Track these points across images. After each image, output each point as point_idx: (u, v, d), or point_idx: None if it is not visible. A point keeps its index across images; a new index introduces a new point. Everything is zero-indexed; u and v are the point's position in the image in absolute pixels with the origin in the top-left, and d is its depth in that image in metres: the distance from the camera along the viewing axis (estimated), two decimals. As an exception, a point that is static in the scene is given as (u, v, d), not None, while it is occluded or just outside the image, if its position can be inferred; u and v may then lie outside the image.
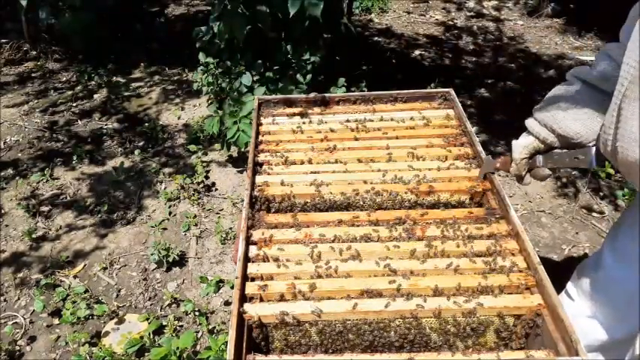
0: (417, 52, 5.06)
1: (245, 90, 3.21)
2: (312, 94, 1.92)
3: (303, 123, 1.82)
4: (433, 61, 4.89)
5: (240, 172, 3.43)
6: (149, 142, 3.79)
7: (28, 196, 3.24)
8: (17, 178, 3.40)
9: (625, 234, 1.41)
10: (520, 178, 1.42)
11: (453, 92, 1.87)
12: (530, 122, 1.38)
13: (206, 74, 3.39)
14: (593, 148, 1.24)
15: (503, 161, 1.46)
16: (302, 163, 1.62)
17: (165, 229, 3.00)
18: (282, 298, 1.19)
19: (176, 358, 2.11)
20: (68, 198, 3.25)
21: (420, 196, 1.48)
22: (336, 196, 1.48)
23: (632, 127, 1.04)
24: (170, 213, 3.11)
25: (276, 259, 1.29)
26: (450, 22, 5.78)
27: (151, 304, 2.57)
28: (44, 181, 3.37)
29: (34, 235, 2.92)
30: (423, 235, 1.33)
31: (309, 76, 3.20)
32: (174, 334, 2.34)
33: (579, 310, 1.51)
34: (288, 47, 3.27)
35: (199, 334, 2.39)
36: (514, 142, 1.40)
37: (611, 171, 3.14)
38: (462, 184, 1.50)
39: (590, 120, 1.27)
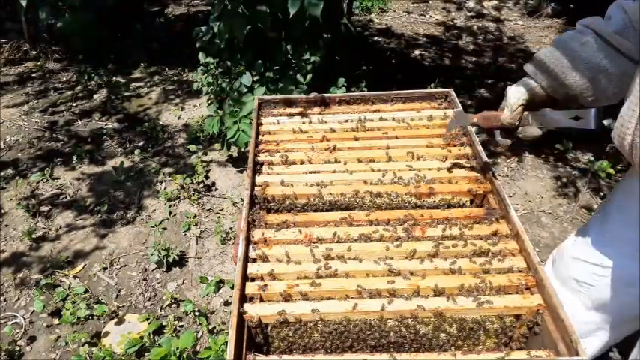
0: (417, 52, 5.06)
1: (245, 90, 3.21)
2: (312, 94, 1.92)
3: (303, 123, 1.82)
4: (433, 61, 4.89)
5: (240, 172, 3.43)
6: (149, 142, 3.79)
7: (28, 196, 3.24)
8: (17, 178, 3.40)
9: (615, 217, 1.39)
10: (507, 135, 1.31)
11: (452, 92, 1.87)
12: (530, 66, 1.30)
13: (206, 74, 3.39)
14: (593, 110, 1.15)
15: (483, 116, 1.34)
16: (302, 163, 1.62)
17: (165, 229, 3.00)
18: (282, 298, 1.19)
19: (176, 358, 2.11)
20: (68, 198, 3.25)
21: (420, 197, 1.48)
22: (336, 196, 1.48)
23: None
24: (170, 213, 3.11)
25: (276, 259, 1.29)
26: (450, 22, 5.77)
27: (151, 304, 2.57)
28: (44, 181, 3.37)
29: (34, 235, 2.92)
30: (423, 235, 1.33)
31: (309, 76, 3.20)
32: (174, 334, 2.34)
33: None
34: (288, 47, 3.27)
35: (199, 334, 2.39)
36: (510, 88, 1.29)
37: (611, 171, 3.14)
38: (462, 184, 1.50)
39: (596, 74, 1.21)
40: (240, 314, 1.12)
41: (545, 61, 1.27)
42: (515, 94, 1.28)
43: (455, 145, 1.66)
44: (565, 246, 1.57)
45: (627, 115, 1.10)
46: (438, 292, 1.18)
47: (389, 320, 1.16)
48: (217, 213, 3.11)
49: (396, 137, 1.72)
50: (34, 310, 2.50)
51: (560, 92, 1.27)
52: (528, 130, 1.29)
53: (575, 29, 1.29)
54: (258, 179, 1.54)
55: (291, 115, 1.87)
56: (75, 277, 2.70)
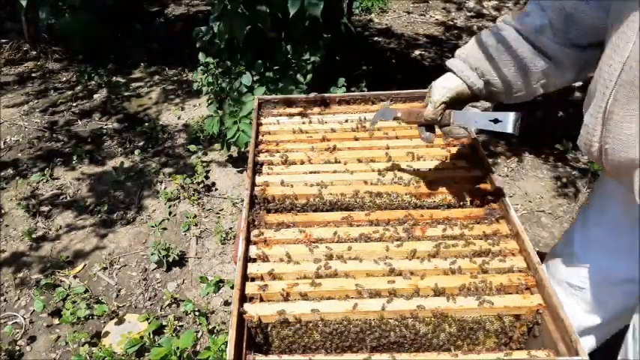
0: (417, 52, 5.06)
1: (245, 90, 3.21)
2: (312, 94, 1.92)
3: (303, 123, 1.82)
4: (433, 61, 4.89)
5: (240, 172, 3.43)
6: (149, 142, 3.79)
7: (28, 196, 3.24)
8: (17, 178, 3.40)
9: (595, 220, 1.42)
10: (431, 131, 1.30)
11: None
12: (456, 63, 1.28)
13: (206, 74, 3.39)
14: (512, 114, 1.15)
15: (407, 110, 1.33)
16: (302, 163, 1.62)
17: (165, 229, 3.00)
18: (282, 298, 1.19)
19: (176, 358, 2.11)
20: (68, 198, 3.25)
21: (420, 197, 1.48)
22: (336, 196, 1.48)
23: (629, 130, 1.03)
24: (170, 213, 3.11)
25: (276, 259, 1.29)
26: (450, 22, 5.77)
27: (151, 304, 2.57)
28: (44, 181, 3.37)
29: (34, 235, 2.92)
30: (423, 235, 1.33)
31: (309, 76, 3.20)
32: (174, 334, 2.34)
33: None
34: (288, 47, 3.27)
35: (199, 334, 2.39)
36: (434, 83, 1.27)
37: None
38: (462, 184, 1.50)
39: (519, 71, 1.24)
40: (240, 314, 1.12)
41: (469, 58, 1.27)
42: (440, 91, 1.26)
43: (455, 145, 1.66)
44: (554, 251, 1.60)
45: (591, 123, 1.12)
46: (438, 292, 1.18)
47: (389, 320, 1.16)
48: (217, 213, 3.11)
49: (396, 137, 1.72)
50: (34, 310, 2.50)
51: (484, 90, 1.27)
52: (454, 131, 1.28)
53: (497, 25, 1.29)
54: (258, 179, 1.54)
55: (291, 115, 1.87)
56: (75, 277, 2.70)
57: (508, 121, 1.14)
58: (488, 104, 1.30)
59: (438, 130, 1.35)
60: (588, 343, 1.54)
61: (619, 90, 1.03)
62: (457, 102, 1.28)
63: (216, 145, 3.58)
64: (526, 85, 1.27)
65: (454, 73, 1.28)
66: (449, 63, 1.30)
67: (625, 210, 1.29)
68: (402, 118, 1.34)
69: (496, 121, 1.16)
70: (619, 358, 1.38)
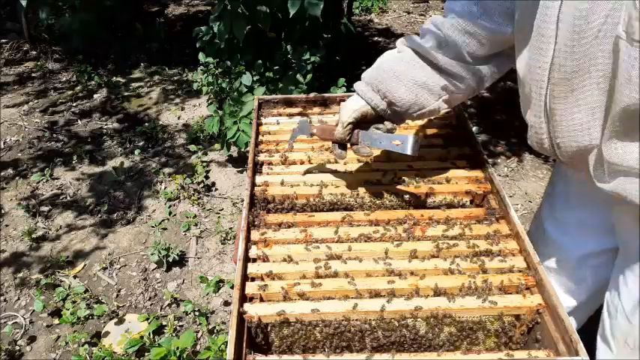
0: (417, 52, 5.06)
1: (245, 90, 3.21)
2: (312, 94, 1.92)
3: (303, 123, 1.82)
4: (433, 61, 4.88)
5: (240, 172, 3.44)
6: (149, 142, 3.79)
7: (28, 196, 3.24)
8: (17, 178, 3.40)
9: (561, 205, 1.48)
10: (343, 148, 1.36)
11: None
12: (361, 86, 1.33)
13: (206, 74, 3.39)
14: (411, 137, 1.22)
15: (321, 128, 1.38)
16: (302, 163, 1.62)
17: (165, 229, 3.00)
18: (282, 298, 1.19)
19: (176, 358, 2.11)
20: (68, 198, 3.25)
21: (420, 197, 1.48)
22: (337, 196, 1.48)
23: (573, 120, 1.08)
24: (170, 213, 3.11)
25: (276, 260, 1.29)
26: (450, 22, 5.77)
27: (151, 304, 2.57)
28: (44, 181, 3.37)
29: (34, 235, 2.92)
30: (423, 235, 1.33)
31: (309, 76, 3.20)
32: (174, 334, 2.35)
33: None
34: (288, 47, 3.27)
35: (199, 334, 2.39)
36: (343, 104, 1.34)
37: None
38: (462, 184, 1.50)
39: (420, 90, 1.29)
40: (240, 314, 1.12)
41: (372, 80, 1.32)
42: (347, 112, 1.32)
43: (455, 145, 1.66)
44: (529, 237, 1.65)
45: (537, 122, 1.17)
46: (438, 292, 1.18)
47: (389, 320, 1.16)
48: (217, 213, 3.11)
49: (396, 137, 1.72)
50: (34, 310, 2.50)
51: (388, 110, 1.33)
52: (361, 150, 1.35)
53: (397, 46, 1.36)
54: (258, 179, 1.54)
55: (291, 115, 1.87)
56: (75, 277, 2.70)
57: (407, 144, 1.23)
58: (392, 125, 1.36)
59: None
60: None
61: (554, 88, 1.07)
62: (364, 122, 1.34)
63: (216, 145, 3.58)
64: (428, 103, 1.32)
65: (359, 94, 1.34)
66: (355, 85, 1.36)
67: (585, 190, 1.34)
68: (316, 134, 1.40)
69: (397, 143, 1.25)
70: (598, 335, 1.41)
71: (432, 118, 1.79)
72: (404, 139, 1.24)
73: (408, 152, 1.23)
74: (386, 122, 1.35)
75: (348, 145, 1.39)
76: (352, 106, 1.32)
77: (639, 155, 1.01)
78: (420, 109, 1.33)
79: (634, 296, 1.24)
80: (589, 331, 1.49)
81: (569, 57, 1.00)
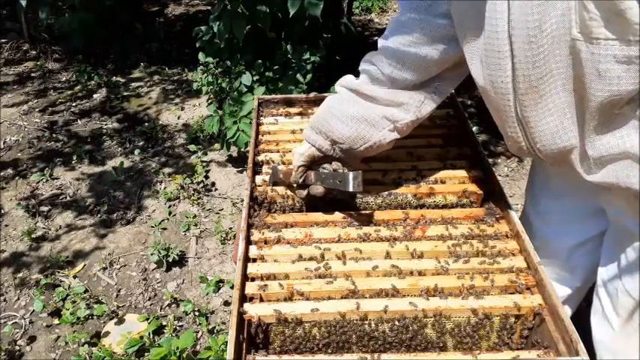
0: (416, 52, 5.06)
1: (245, 90, 3.21)
2: (312, 94, 1.92)
3: (303, 123, 1.82)
4: (433, 61, 4.88)
5: (240, 172, 3.43)
6: (149, 142, 3.79)
7: (28, 196, 3.24)
8: (17, 178, 3.40)
9: (544, 197, 1.51)
10: (303, 188, 1.42)
11: (452, 92, 1.87)
12: (307, 132, 1.40)
13: (206, 74, 3.39)
14: (351, 174, 1.27)
15: (285, 171, 1.47)
16: (302, 163, 1.62)
17: (165, 229, 3.00)
18: (282, 298, 1.19)
19: (176, 358, 2.11)
20: (68, 198, 3.25)
21: (420, 197, 1.48)
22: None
23: (548, 125, 1.10)
24: (170, 213, 3.11)
25: (276, 259, 1.29)
26: (450, 22, 5.77)
27: (150, 304, 2.57)
28: (44, 181, 3.37)
29: (33, 235, 2.92)
30: (423, 235, 1.33)
31: (309, 76, 3.20)
32: (174, 334, 2.35)
33: None
34: (288, 47, 3.27)
35: (199, 334, 2.39)
36: (294, 150, 1.42)
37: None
38: (462, 184, 1.50)
39: (358, 124, 1.33)
40: (240, 314, 1.12)
41: (315, 123, 1.38)
42: (297, 157, 1.39)
43: (455, 145, 1.66)
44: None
45: (514, 132, 1.18)
46: (438, 292, 1.18)
47: (389, 320, 1.16)
48: (217, 213, 3.11)
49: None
50: (34, 310, 2.50)
51: (333, 149, 1.38)
52: (312, 189, 1.39)
53: (335, 90, 1.43)
54: (258, 179, 1.54)
55: (290, 115, 1.87)
56: (75, 277, 2.70)
57: (348, 181, 1.27)
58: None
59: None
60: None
61: (523, 98, 1.07)
62: (316, 163, 1.40)
63: (216, 145, 3.58)
64: (371, 135, 1.35)
65: (305, 139, 1.41)
66: (303, 133, 1.43)
67: (564, 179, 1.36)
68: (282, 178, 1.47)
69: (339, 181, 1.29)
70: (592, 315, 1.43)
71: (432, 118, 1.79)
72: (344, 177, 1.29)
73: (350, 189, 1.27)
74: (333, 162, 1.40)
75: None
76: (300, 151, 1.39)
77: (636, 141, 1.01)
78: (365, 143, 1.36)
79: (634, 275, 1.25)
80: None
81: (531, 66, 1.01)
